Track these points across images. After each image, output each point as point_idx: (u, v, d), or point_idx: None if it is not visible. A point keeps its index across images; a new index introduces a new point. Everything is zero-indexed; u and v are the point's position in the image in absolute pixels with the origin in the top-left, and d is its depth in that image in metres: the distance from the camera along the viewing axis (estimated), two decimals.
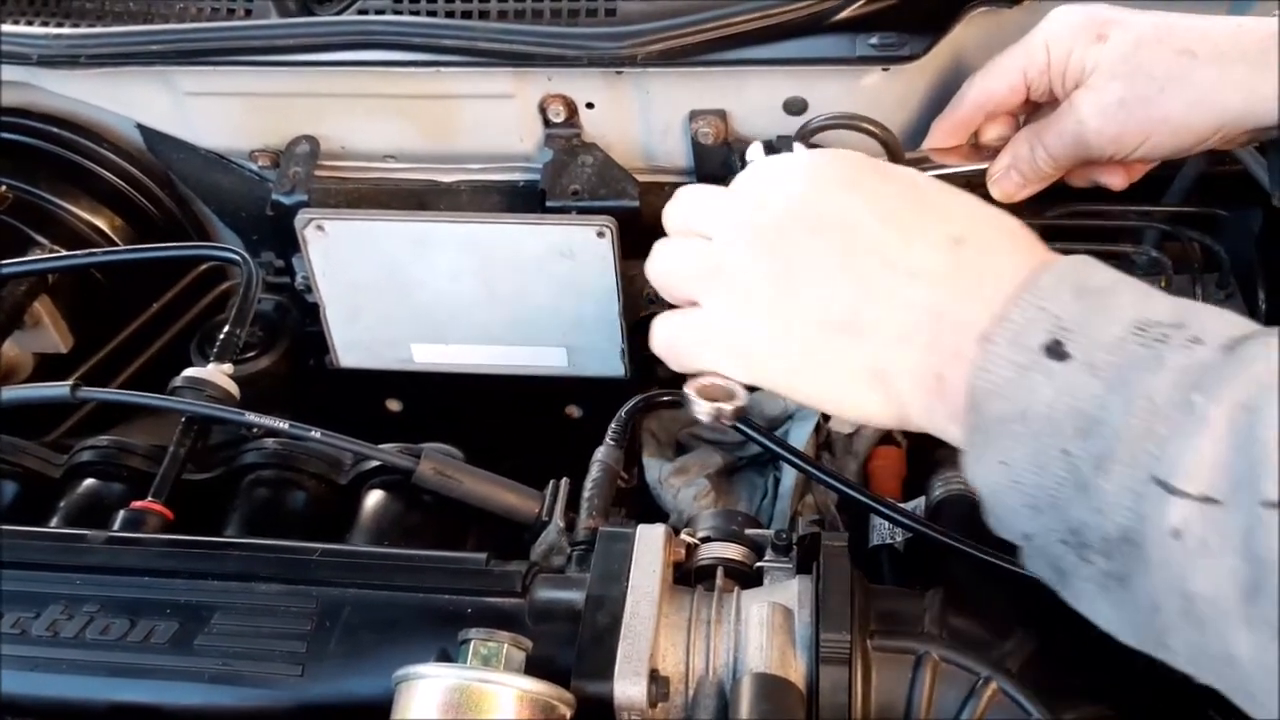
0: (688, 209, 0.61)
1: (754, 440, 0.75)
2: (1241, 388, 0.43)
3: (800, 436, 0.89)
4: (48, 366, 1.08)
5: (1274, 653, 0.42)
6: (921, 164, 0.83)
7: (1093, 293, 0.49)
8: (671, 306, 0.60)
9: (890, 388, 0.53)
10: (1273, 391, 0.43)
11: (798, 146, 0.79)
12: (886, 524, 0.81)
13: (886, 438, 0.92)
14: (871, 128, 0.78)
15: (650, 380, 0.93)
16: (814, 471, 0.76)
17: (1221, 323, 0.47)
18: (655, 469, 0.92)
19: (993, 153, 0.81)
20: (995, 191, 0.81)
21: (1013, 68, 0.77)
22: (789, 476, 0.89)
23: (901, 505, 0.81)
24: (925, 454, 0.87)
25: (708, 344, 0.58)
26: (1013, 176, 0.79)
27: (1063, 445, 0.46)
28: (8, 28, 0.95)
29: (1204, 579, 0.43)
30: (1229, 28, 0.70)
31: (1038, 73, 0.76)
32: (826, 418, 0.90)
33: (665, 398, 0.85)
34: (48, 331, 1.05)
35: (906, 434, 0.92)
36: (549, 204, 0.91)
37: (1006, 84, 0.78)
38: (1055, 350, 0.47)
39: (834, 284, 0.54)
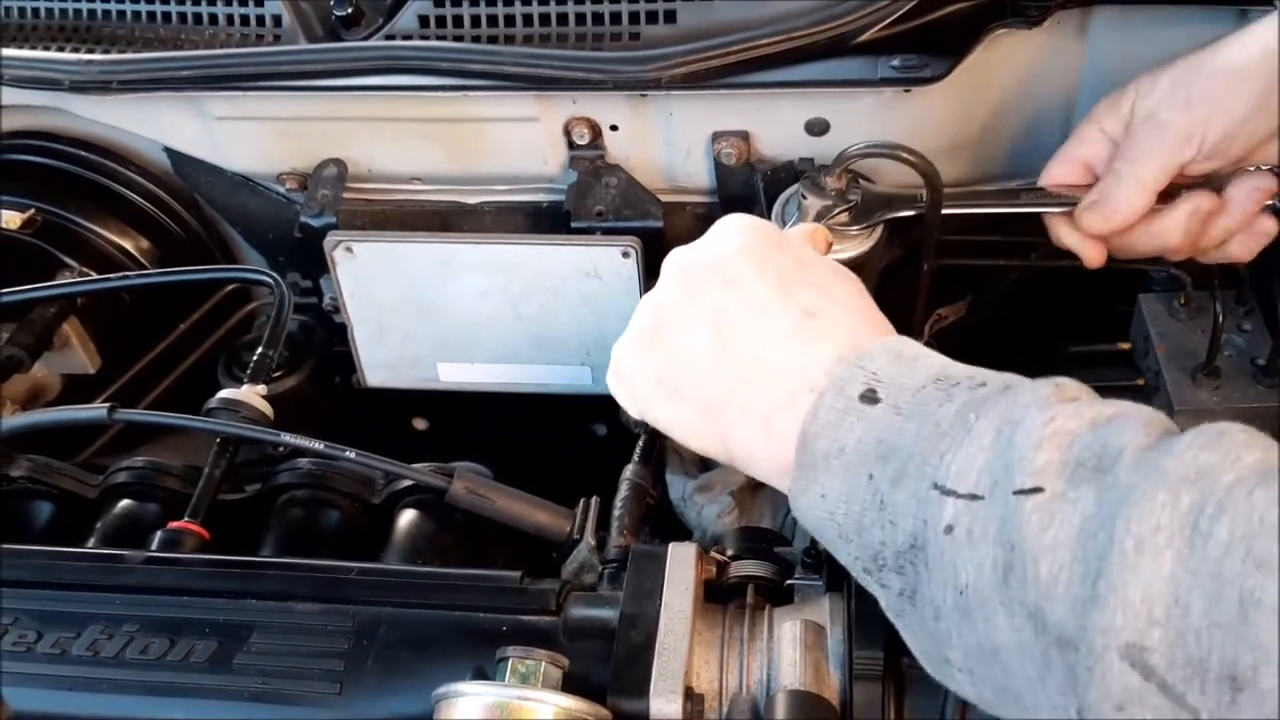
0: None
1: None
2: (1007, 407, 0.50)
3: None
4: (75, 387, 1.08)
5: (1028, 633, 0.46)
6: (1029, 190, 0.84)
7: (906, 359, 0.55)
8: None
9: (720, 418, 0.59)
10: (1033, 409, 0.49)
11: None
12: None
13: None
14: (910, 158, 0.77)
15: None
16: None
17: (1007, 374, 0.53)
18: (679, 486, 0.93)
19: None
20: (1084, 223, 0.79)
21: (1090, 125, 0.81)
22: None
23: None
24: None
25: (621, 343, 0.66)
26: (1099, 209, 0.78)
27: (869, 470, 0.52)
28: (40, 54, 0.96)
29: (971, 568, 0.48)
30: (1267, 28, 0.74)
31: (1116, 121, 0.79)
32: None
33: None
34: (76, 353, 1.06)
35: None
36: (574, 225, 0.92)
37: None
38: (869, 397, 0.54)
39: (706, 324, 0.60)
